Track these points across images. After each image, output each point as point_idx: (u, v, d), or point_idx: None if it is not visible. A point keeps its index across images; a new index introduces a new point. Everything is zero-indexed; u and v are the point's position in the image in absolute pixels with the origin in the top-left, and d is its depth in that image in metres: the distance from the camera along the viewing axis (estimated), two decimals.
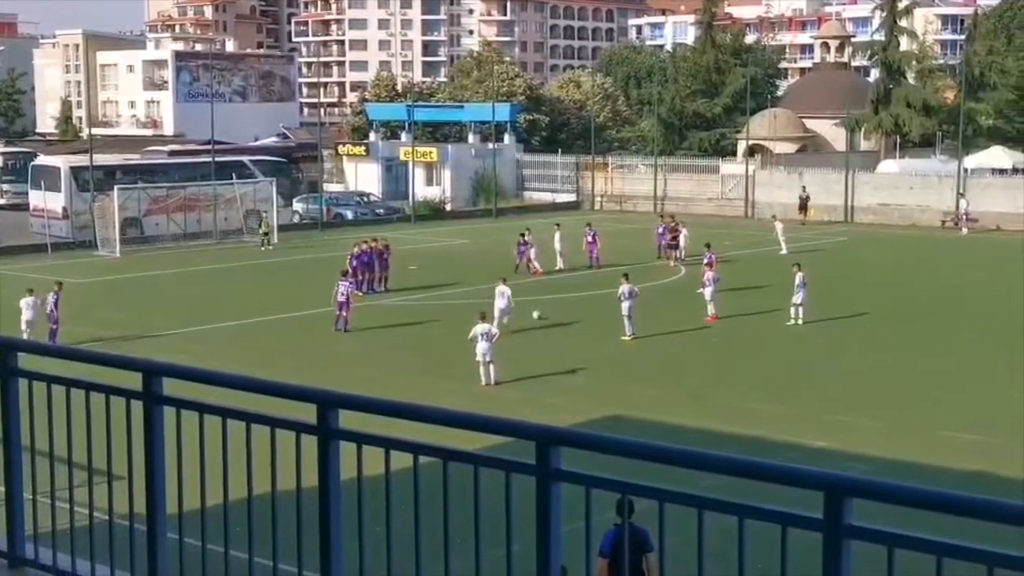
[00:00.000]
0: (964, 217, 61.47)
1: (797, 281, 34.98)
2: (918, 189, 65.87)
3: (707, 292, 35.83)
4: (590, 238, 46.96)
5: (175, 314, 37.38)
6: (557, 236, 46.79)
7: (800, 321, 34.77)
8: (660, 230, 50.04)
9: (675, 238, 48.46)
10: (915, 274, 46.42)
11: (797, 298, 34.87)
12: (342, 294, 34.83)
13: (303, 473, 4.65)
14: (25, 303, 32.53)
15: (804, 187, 66.99)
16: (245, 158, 67.14)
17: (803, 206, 66.19)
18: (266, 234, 54.28)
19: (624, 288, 33.18)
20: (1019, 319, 36.00)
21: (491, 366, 27.59)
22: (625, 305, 33.08)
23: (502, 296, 33.74)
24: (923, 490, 3.27)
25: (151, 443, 5.12)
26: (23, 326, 31.84)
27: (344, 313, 34.76)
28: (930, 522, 3.36)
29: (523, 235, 46.33)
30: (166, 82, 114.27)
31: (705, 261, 38.54)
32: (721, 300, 36.30)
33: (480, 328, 27.82)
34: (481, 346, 27.65)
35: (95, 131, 75.80)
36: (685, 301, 38.52)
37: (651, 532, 7.86)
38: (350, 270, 38.33)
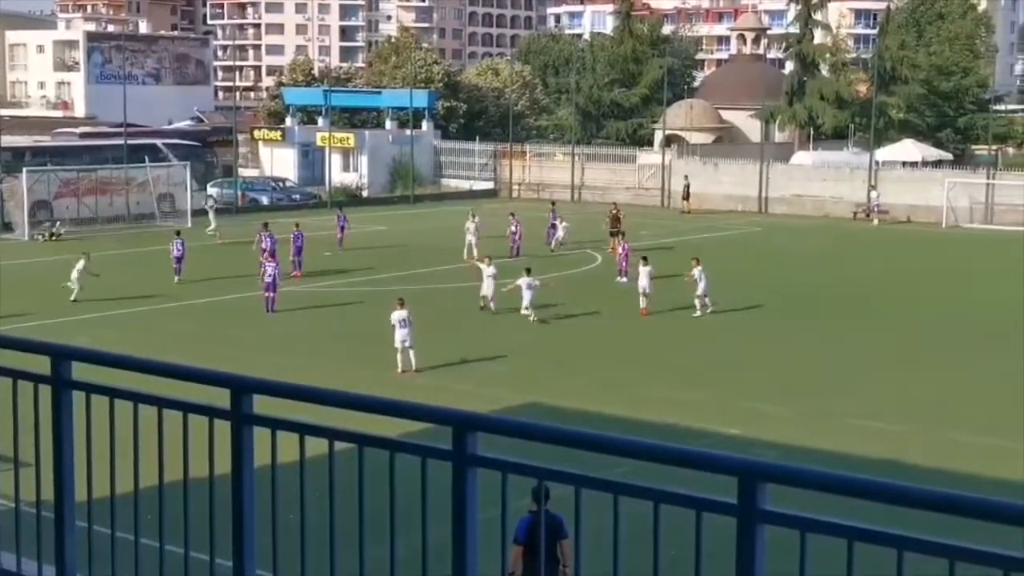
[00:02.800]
0: (875, 209, 62.51)
1: (695, 274, 34.99)
2: (831, 181, 66.85)
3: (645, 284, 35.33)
4: (513, 227, 47.11)
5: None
6: (471, 226, 46.57)
7: (708, 312, 34.92)
8: (552, 219, 50.60)
9: (616, 224, 48.57)
10: (825, 265, 47.12)
11: (699, 290, 34.92)
12: (269, 275, 34.71)
13: (216, 459, 4.58)
14: None
15: (686, 176, 67.87)
16: (158, 141, 66.19)
17: (686, 195, 66.99)
18: (214, 233, 52.10)
19: (523, 281, 33.84)
20: (922, 309, 36.78)
21: (411, 352, 27.54)
22: (527, 295, 33.77)
23: (489, 279, 34.79)
24: (834, 475, 3.31)
25: (59, 428, 5.01)
26: None
27: (271, 294, 34.74)
28: (841, 508, 3.40)
29: (514, 215, 47.98)
30: (77, 63, 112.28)
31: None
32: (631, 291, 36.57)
33: (398, 315, 27.73)
34: (400, 333, 27.55)
35: (3, 112, 74.32)
36: (599, 290, 38.75)
37: (565, 519, 7.89)
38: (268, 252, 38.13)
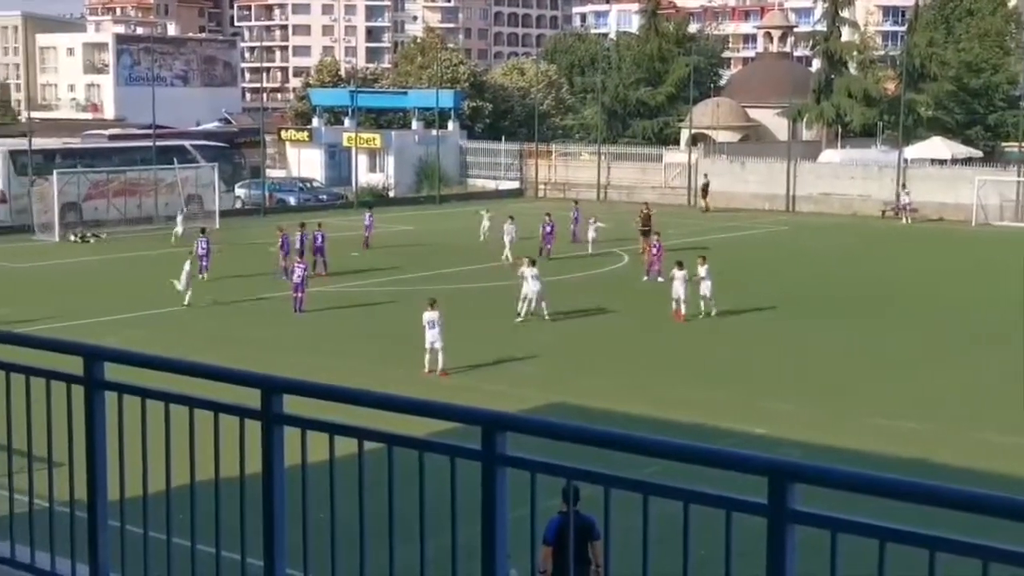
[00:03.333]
0: (906, 208, 62.09)
1: (702, 273, 34.18)
2: (859, 179, 66.53)
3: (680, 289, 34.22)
4: (548, 227, 46.73)
5: (115, 299, 36.97)
6: (510, 227, 45.50)
7: (711, 313, 34.05)
8: (575, 216, 51.08)
9: (647, 224, 47.95)
10: (852, 263, 46.88)
11: (703, 290, 34.04)
12: (298, 276, 34.85)
13: (247, 459, 4.61)
14: None
15: (705, 174, 67.71)
16: (186, 143, 66.48)
17: (704, 193, 66.80)
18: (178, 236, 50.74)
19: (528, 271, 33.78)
20: (950, 308, 36.55)
21: (439, 353, 27.55)
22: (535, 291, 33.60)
23: (533, 280, 33.83)
24: (864, 474, 3.30)
25: (92, 429, 5.06)
26: None
27: (300, 295, 34.89)
28: (869, 509, 3.39)
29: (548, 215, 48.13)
30: (107, 65, 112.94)
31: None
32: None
33: (429, 315, 27.73)
34: (430, 333, 27.54)
35: (34, 114, 74.71)
36: (624, 289, 38.67)
37: (597, 520, 7.86)
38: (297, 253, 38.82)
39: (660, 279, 39.18)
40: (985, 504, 3.05)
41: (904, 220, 61.16)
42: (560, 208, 54.92)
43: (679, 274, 33.97)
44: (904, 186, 62.83)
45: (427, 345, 27.53)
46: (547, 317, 33.48)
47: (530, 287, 33.78)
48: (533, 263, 34.55)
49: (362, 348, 30.54)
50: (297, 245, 39.88)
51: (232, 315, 35.41)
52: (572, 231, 50.44)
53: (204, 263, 40.64)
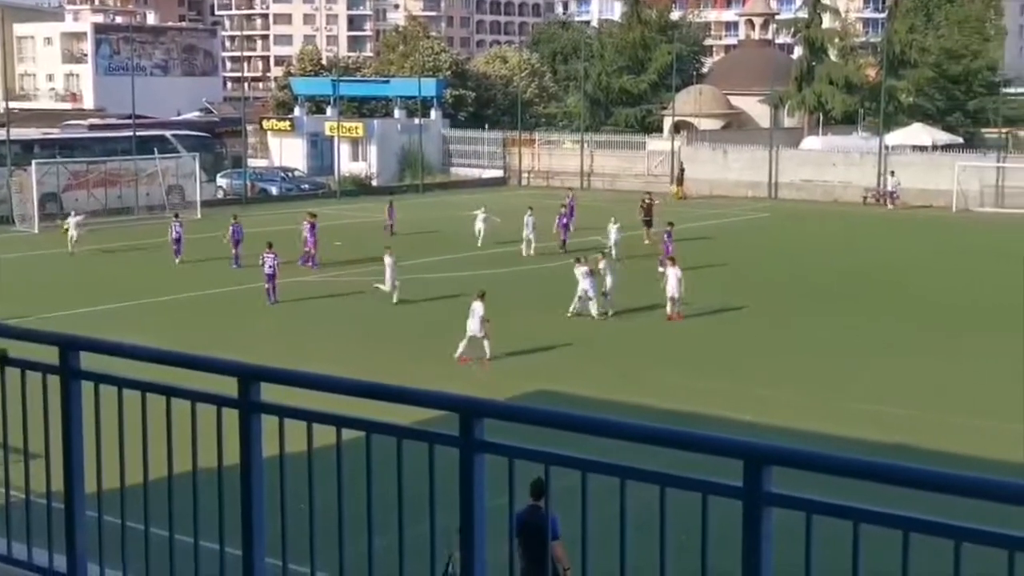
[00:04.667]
0: (891, 194, 62.08)
1: (669, 274, 32.67)
2: (840, 165, 66.69)
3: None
4: (565, 220, 45.97)
5: (94, 290, 36.83)
6: (529, 219, 44.26)
7: (678, 315, 32.48)
8: (570, 202, 48.90)
9: (649, 214, 47.64)
10: (834, 251, 47.00)
11: (671, 290, 32.34)
12: (269, 266, 34.86)
13: (225, 449, 4.59)
14: None
15: (682, 162, 67.86)
16: (167, 132, 66.21)
17: (679, 180, 66.87)
18: (66, 231, 47.21)
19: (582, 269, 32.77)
20: (930, 294, 36.69)
21: (485, 342, 27.63)
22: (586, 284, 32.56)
23: (585, 278, 32.76)
24: (839, 457, 3.30)
25: (69, 419, 5.03)
26: None
27: (272, 285, 34.96)
28: (852, 494, 3.39)
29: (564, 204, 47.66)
30: (85, 55, 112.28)
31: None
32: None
33: (477, 305, 27.88)
34: (472, 323, 27.74)
35: (12, 105, 74.35)
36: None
37: (559, 520, 7.65)
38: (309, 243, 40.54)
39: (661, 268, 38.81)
40: (959, 485, 3.06)
41: (888, 206, 61.32)
42: (545, 197, 54.86)
43: (672, 271, 32.59)
44: (892, 173, 62.76)
45: (468, 333, 27.69)
46: (594, 314, 32.36)
47: (608, 281, 32.57)
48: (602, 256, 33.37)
49: (342, 337, 30.48)
50: (231, 235, 41.04)
51: (209, 306, 35.30)
52: (559, 225, 46.89)
53: (177, 247, 42.11)
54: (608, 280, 32.97)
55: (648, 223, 47.49)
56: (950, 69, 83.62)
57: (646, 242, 46.02)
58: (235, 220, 42.53)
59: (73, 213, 47.19)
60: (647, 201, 48.99)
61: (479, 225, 46.01)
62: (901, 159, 65.69)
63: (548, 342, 30.24)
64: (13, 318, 30.32)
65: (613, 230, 42.52)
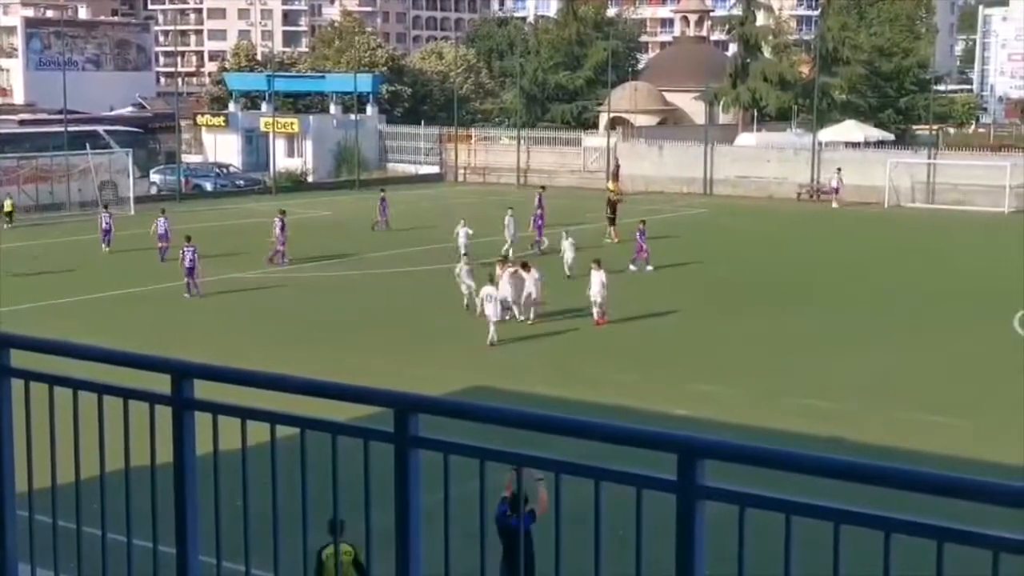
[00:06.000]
0: (836, 191, 61.88)
1: (597, 284, 31.40)
2: (774, 162, 67.29)
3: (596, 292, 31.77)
4: (540, 221, 44.49)
5: (23, 288, 36.30)
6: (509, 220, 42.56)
7: (603, 319, 31.42)
8: (539, 206, 46.21)
9: (615, 211, 46.84)
10: (769, 246, 47.45)
11: (594, 294, 31.30)
12: (189, 260, 35.16)
13: (158, 446, 4.55)
14: None
15: (617, 158, 68.01)
16: (100, 128, 65.42)
17: (615, 176, 66.93)
18: (9, 213, 51.43)
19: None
20: (865, 290, 37.15)
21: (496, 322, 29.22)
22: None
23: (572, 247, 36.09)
24: (772, 450, 3.34)
25: None
26: None
27: (192, 279, 35.24)
28: (792, 489, 3.43)
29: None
30: (16, 49, 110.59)
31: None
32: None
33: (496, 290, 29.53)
34: (490, 308, 29.16)
35: None
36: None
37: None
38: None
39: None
40: (888, 476, 3.10)
41: (834, 204, 61.11)
42: (480, 193, 54.82)
43: (595, 274, 31.33)
44: (839, 170, 62.30)
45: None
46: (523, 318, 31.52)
47: (594, 288, 31.29)
48: (599, 263, 31.88)
49: (274, 332, 30.31)
50: (161, 229, 41.49)
51: (142, 303, 34.98)
52: (535, 224, 44.80)
53: (107, 237, 43.86)
54: (596, 289, 31.34)
55: (612, 220, 46.42)
56: (882, 66, 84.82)
57: (609, 240, 45.25)
58: (106, 209, 45.43)
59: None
60: (613, 197, 48.08)
61: (462, 240, 40.06)
62: (834, 155, 66.39)
63: (478, 334, 30.25)
64: None
65: (462, 233, 40.41)
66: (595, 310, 31.50)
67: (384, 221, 49.30)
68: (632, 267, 39.14)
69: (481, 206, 48.51)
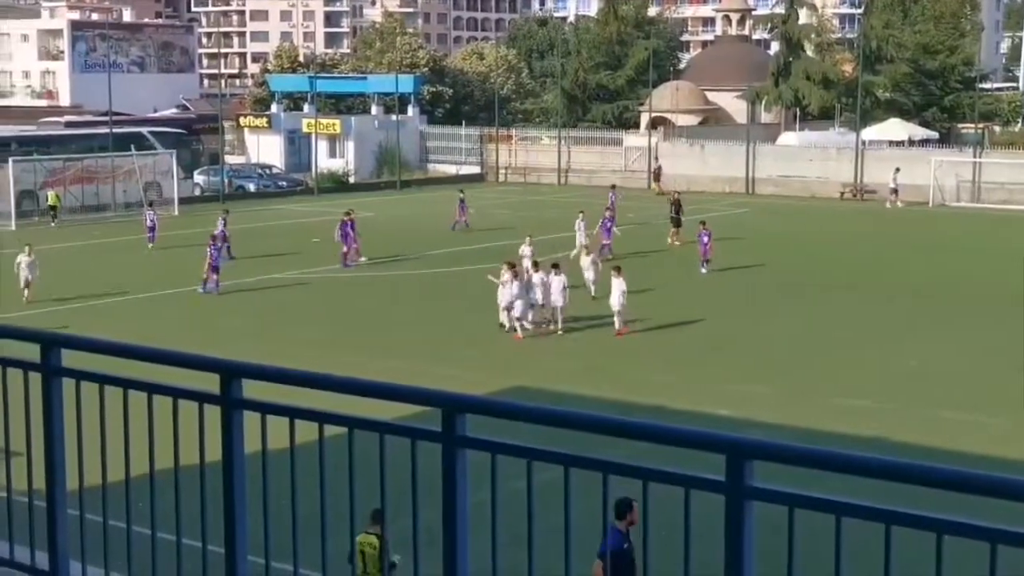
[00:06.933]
0: (894, 191, 60.49)
1: (614, 285, 30.24)
2: (817, 161, 66.88)
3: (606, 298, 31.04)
4: (609, 223, 42.58)
5: (72, 288, 36.63)
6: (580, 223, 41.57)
7: (626, 329, 30.32)
8: (611, 202, 46.40)
9: (679, 210, 45.73)
10: (812, 245, 47.15)
11: (614, 301, 30.10)
12: (214, 258, 35.86)
13: (207, 446, 4.58)
14: None
15: (658, 158, 68.12)
16: (144, 129, 65.91)
17: (657, 176, 67.02)
18: (53, 207, 53.03)
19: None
20: (909, 288, 36.84)
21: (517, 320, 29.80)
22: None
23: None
24: (819, 451, 3.33)
25: (50, 416, 5.01)
26: None
27: (214, 276, 35.77)
28: (837, 489, 3.42)
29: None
30: (62, 52, 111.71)
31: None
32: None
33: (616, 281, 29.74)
34: (518, 305, 29.72)
35: None
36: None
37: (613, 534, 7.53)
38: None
39: (704, 270, 38.83)
40: (937, 477, 3.09)
41: (898, 203, 60.05)
42: (521, 193, 54.83)
43: (616, 282, 30.09)
44: (898, 169, 61.36)
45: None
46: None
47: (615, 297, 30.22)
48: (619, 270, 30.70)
49: (319, 334, 30.43)
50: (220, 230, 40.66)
51: (189, 303, 35.22)
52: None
53: (152, 234, 44.84)
54: (615, 297, 30.19)
55: (677, 221, 45.15)
56: (926, 64, 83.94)
57: (671, 242, 44.80)
58: (151, 207, 46.90)
59: (27, 250, 34.88)
60: (675, 196, 47.30)
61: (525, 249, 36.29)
62: (878, 154, 65.89)
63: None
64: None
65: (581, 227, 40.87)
66: (616, 320, 30.31)
67: (464, 221, 49.39)
68: (703, 270, 38.95)
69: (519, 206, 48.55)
